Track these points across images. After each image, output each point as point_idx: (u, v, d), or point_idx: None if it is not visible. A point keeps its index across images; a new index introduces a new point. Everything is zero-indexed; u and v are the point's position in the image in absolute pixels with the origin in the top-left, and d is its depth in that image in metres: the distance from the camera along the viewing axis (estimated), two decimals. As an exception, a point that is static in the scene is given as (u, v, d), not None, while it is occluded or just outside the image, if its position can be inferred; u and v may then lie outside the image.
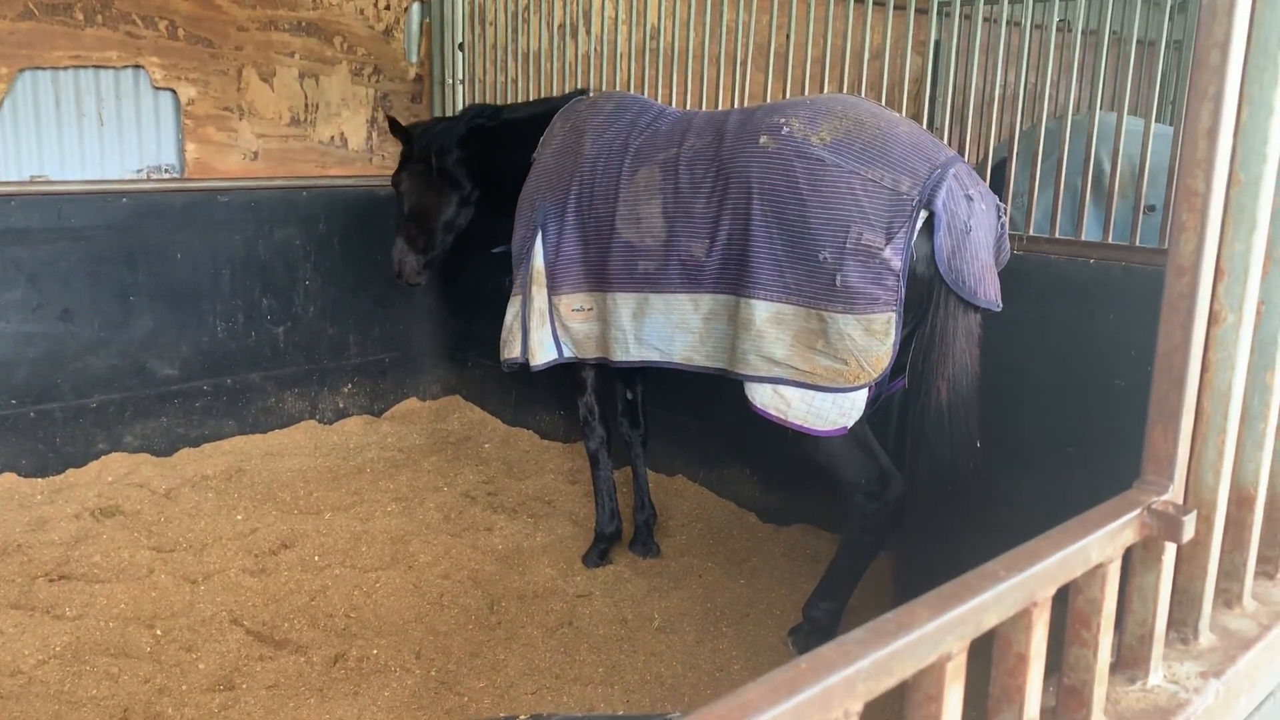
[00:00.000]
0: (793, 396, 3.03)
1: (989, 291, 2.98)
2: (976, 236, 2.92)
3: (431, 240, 4.62)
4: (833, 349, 2.91)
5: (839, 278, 2.85)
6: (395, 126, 4.59)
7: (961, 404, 3.01)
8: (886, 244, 2.81)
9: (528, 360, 3.79)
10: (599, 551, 4.08)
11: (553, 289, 3.69)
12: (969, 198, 2.91)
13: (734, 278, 3.09)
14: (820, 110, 3.06)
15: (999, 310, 3.03)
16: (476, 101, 5.81)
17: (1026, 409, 3.47)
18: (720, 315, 3.18)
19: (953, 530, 3.01)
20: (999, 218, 3.07)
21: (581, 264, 3.61)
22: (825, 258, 2.87)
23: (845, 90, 4.02)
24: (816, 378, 2.97)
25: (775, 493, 4.45)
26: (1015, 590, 1.13)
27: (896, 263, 2.82)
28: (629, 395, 4.21)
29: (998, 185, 3.77)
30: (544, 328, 3.74)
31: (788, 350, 2.99)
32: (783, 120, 3.07)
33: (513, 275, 3.88)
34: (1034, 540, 1.23)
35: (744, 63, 4.36)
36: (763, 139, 3.07)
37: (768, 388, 3.07)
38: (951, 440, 3.01)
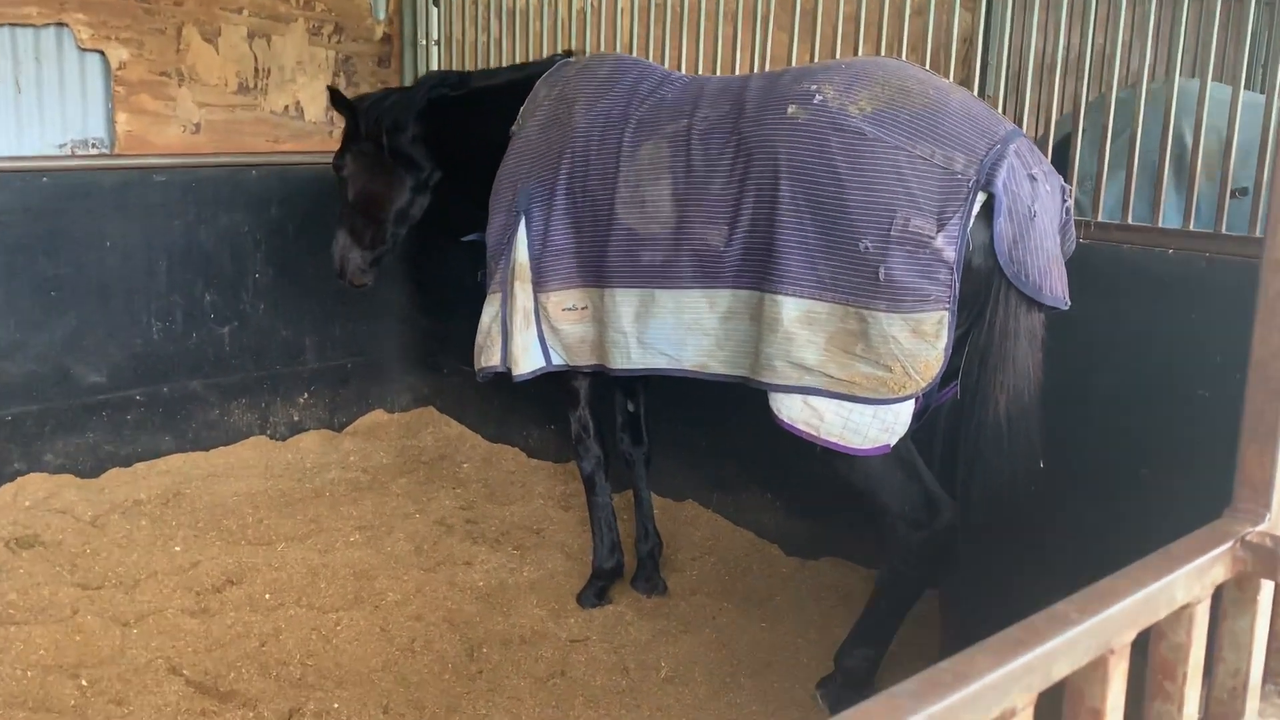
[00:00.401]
0: (826, 409, 3.03)
1: (1056, 287, 2.97)
2: (1041, 223, 2.91)
3: (380, 233, 4.61)
4: (874, 353, 2.91)
5: (882, 270, 2.85)
6: (337, 99, 4.56)
7: (1023, 417, 3.00)
8: (938, 231, 2.81)
9: (509, 369, 3.79)
10: (596, 589, 4.08)
11: (539, 285, 3.69)
12: (1032, 178, 2.91)
13: (758, 270, 3.09)
14: (858, 75, 3.06)
15: (1067, 308, 3.03)
16: (455, 66, 5.83)
17: (1093, 424, 3.47)
18: (741, 314, 3.18)
19: (1011, 565, 3.01)
20: (1064, 201, 3.07)
21: (574, 256, 3.61)
22: (866, 247, 2.87)
23: (883, 52, 4.03)
24: (855, 387, 2.97)
25: (801, 521, 4.45)
26: (1089, 635, 1.13)
27: (950, 253, 2.81)
28: (630, 407, 4.21)
29: (1061, 164, 3.77)
30: (529, 331, 3.74)
31: (821, 355, 2.99)
32: (814, 87, 3.06)
33: (488, 269, 3.88)
34: (1110, 578, 1.23)
35: (765, 20, 4.37)
36: (791, 108, 3.07)
37: (797, 399, 3.07)
38: (1011, 459, 3.00)
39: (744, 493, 4.68)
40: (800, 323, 3.00)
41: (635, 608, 4.05)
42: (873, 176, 2.88)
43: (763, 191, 3.06)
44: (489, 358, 3.84)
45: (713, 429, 4.72)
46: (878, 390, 2.95)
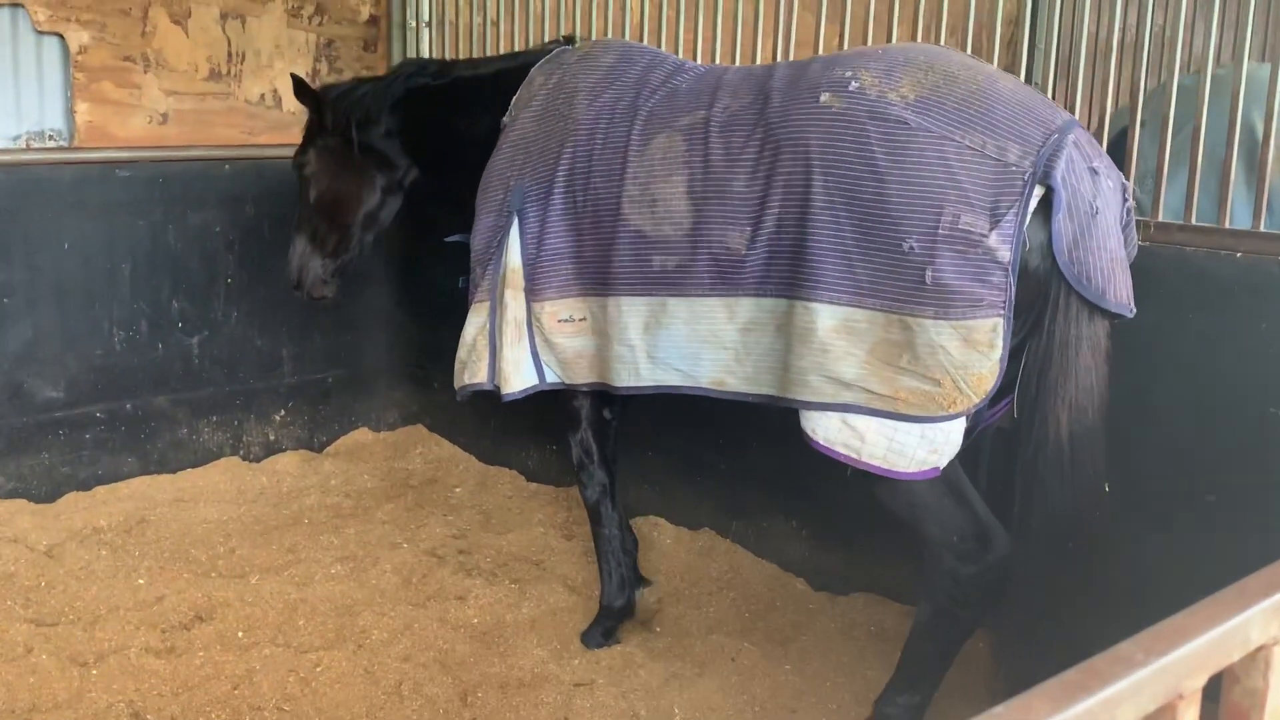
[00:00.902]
0: (868, 429, 3.01)
1: (1120, 291, 2.96)
2: (1104, 221, 2.91)
3: (345, 240, 4.62)
4: (921, 365, 2.90)
5: (929, 273, 2.84)
6: (302, 88, 4.56)
7: (1087, 438, 2.99)
8: (991, 229, 2.80)
9: (496, 387, 3.79)
10: (604, 629, 4.07)
11: (533, 294, 3.68)
12: (1094, 171, 2.91)
13: (786, 276, 3.09)
14: (897, 61, 3.06)
15: (1131, 316, 3.02)
16: (449, 50, 5.85)
17: (1152, 445, 3.45)
18: (764, 325, 3.17)
19: (1069, 601, 2.99)
20: (1125, 200, 3.07)
21: (572, 260, 3.60)
22: (911, 247, 2.86)
23: (920, 35, 4.03)
24: (899, 404, 2.96)
25: (831, 552, 4.44)
26: (1156, 678, 1.13)
27: (1004, 253, 2.80)
28: (605, 413, 4.12)
29: (1119, 159, 3.77)
30: (520, 344, 3.73)
31: (861, 369, 2.98)
32: (849, 73, 3.07)
33: (473, 276, 3.88)
34: (1178, 615, 1.22)
35: (788, 2, 4.37)
36: (824, 96, 3.07)
37: (834, 418, 3.06)
38: (1074, 484, 2.99)
39: (766, 521, 4.67)
40: (837, 333, 2.99)
41: (646, 648, 4.04)
42: (917, 169, 2.88)
43: (792, 188, 3.06)
44: (473, 374, 3.83)
45: (731, 450, 4.71)
46: (925, 407, 2.94)
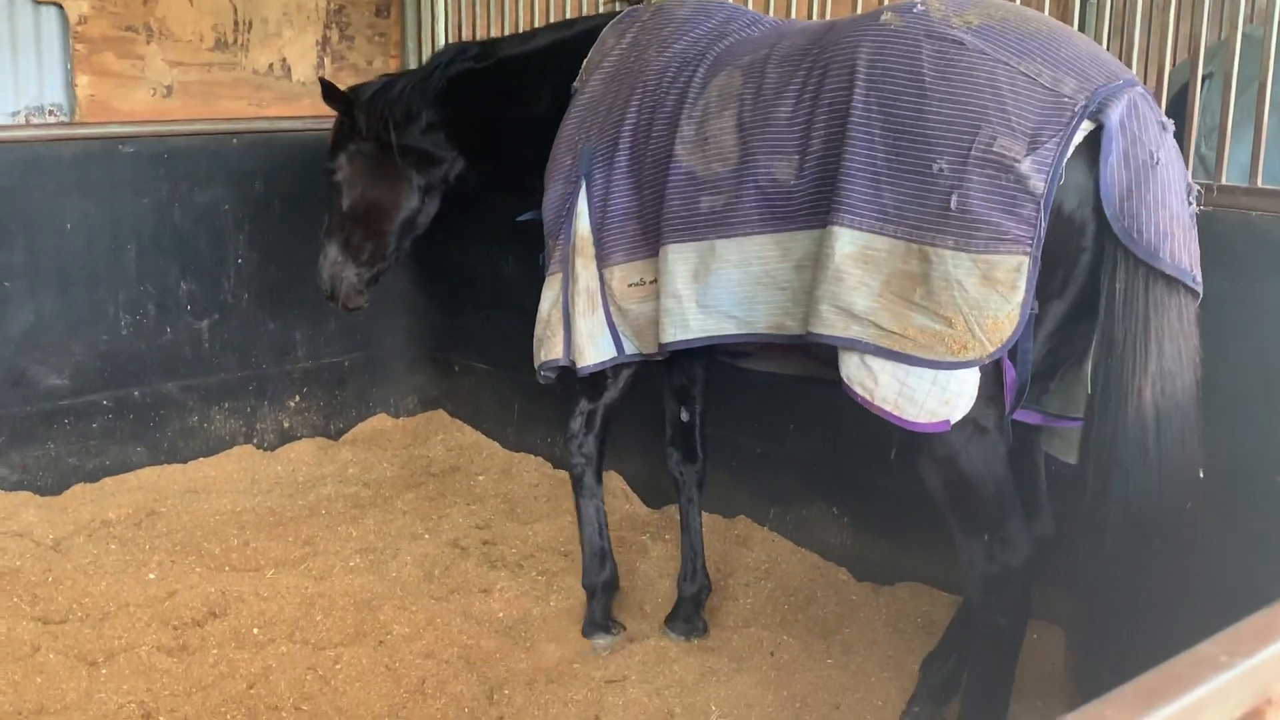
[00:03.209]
0: (881, 370, 2.94)
1: (1179, 253, 2.80)
2: (1166, 175, 2.78)
3: (380, 247, 4.60)
4: (934, 302, 2.81)
5: (955, 198, 2.74)
6: (331, 92, 4.49)
7: (1178, 415, 2.85)
8: (1027, 154, 2.71)
9: (572, 362, 3.75)
10: (600, 611, 4.07)
11: (603, 259, 3.64)
12: (1162, 125, 2.82)
13: (826, 201, 3.00)
14: (970, 0, 3.00)
15: (1196, 285, 2.87)
16: (465, 15, 5.81)
17: (1217, 423, 3.38)
18: (816, 259, 3.08)
19: (1162, 599, 2.85)
20: (1190, 198, 2.93)
21: (637, 220, 3.54)
22: (941, 169, 2.77)
23: None
24: (907, 343, 2.87)
25: (874, 540, 4.42)
26: (1242, 682, 1.09)
27: (1038, 183, 2.70)
28: (683, 415, 4.14)
29: (1179, 120, 3.70)
30: (595, 314, 3.68)
31: (873, 301, 2.90)
32: (919, 1, 3.01)
33: (546, 249, 3.85)
34: (1263, 611, 1.18)
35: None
36: (885, 15, 3.02)
37: (854, 356, 2.99)
38: (1161, 468, 2.85)
39: (805, 508, 4.64)
40: (854, 260, 2.91)
41: (679, 642, 4.02)
42: (962, 87, 2.80)
43: (836, 106, 2.99)
44: (550, 350, 3.79)
45: (769, 433, 4.70)
46: (933, 348, 2.84)
